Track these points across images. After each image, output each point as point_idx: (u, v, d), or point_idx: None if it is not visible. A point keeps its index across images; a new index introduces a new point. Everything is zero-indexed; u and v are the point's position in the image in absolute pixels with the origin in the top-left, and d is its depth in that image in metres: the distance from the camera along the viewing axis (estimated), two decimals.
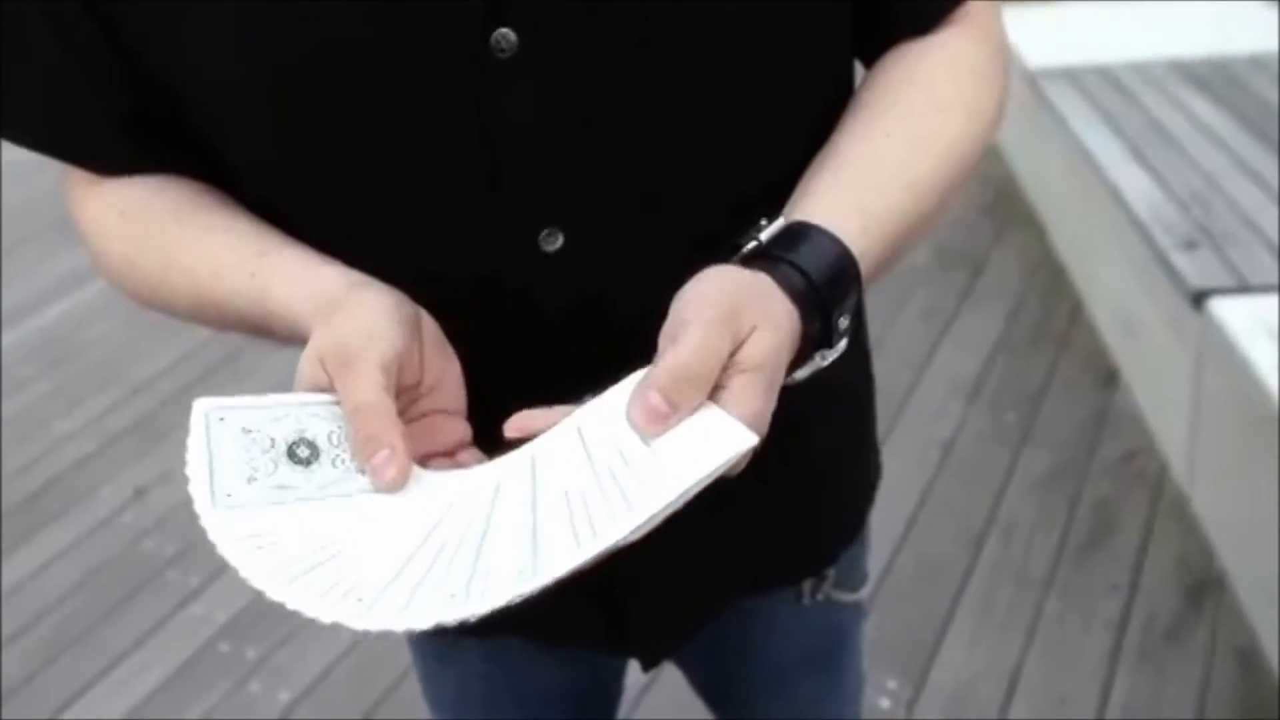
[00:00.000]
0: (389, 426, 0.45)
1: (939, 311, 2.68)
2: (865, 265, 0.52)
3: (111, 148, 0.58)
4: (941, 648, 1.80)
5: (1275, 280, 1.90)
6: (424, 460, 0.49)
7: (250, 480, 0.44)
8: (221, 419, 0.46)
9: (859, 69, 0.63)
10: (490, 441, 0.50)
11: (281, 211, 0.57)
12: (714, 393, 0.46)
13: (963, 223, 3.07)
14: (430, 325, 0.52)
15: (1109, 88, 2.74)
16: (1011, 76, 0.62)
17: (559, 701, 0.82)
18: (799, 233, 0.51)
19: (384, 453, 0.44)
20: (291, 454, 0.45)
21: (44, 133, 0.58)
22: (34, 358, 2.84)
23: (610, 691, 0.87)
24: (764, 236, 0.51)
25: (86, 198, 0.60)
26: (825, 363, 0.52)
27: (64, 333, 2.94)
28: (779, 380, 0.48)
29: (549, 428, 0.48)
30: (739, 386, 0.46)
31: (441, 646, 0.80)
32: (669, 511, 0.43)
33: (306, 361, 0.49)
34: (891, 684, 1.73)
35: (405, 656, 0.88)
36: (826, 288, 0.50)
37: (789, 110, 0.57)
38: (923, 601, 1.89)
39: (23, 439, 2.51)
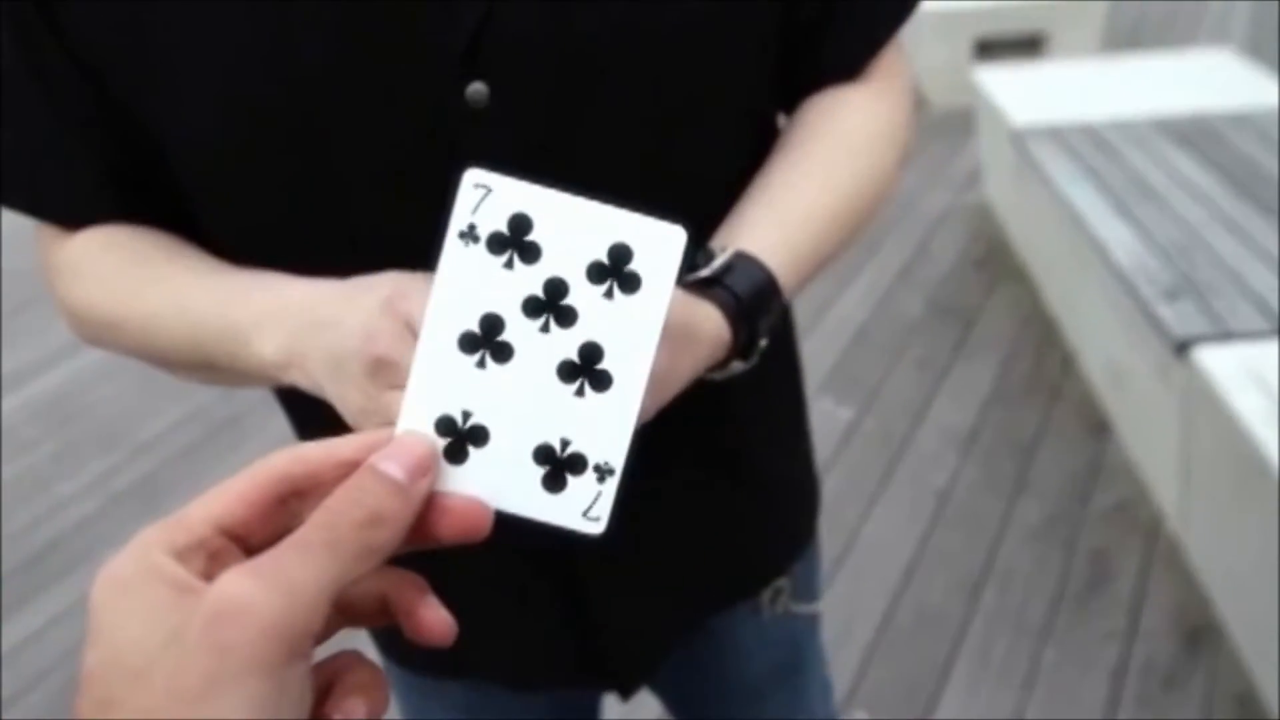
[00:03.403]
0: None
1: (933, 364, 2.72)
2: (786, 287, 0.61)
3: (91, 206, 0.61)
4: (941, 696, 1.80)
5: (1256, 329, 1.94)
6: None
7: None
8: None
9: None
10: None
11: (254, 259, 0.60)
12: None
13: (955, 277, 3.12)
14: None
15: (1092, 145, 2.81)
16: (915, 120, 0.72)
17: None
18: (735, 264, 0.59)
19: None
20: None
21: (29, 195, 0.61)
22: (38, 419, 2.87)
23: (590, 713, 0.90)
24: (718, 264, 0.58)
25: (63, 238, 0.63)
26: (737, 371, 0.60)
27: (68, 395, 2.97)
28: (667, 390, 0.53)
29: None
30: None
31: (424, 683, 0.82)
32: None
33: (380, 315, 0.47)
34: None
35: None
36: (751, 306, 0.58)
37: (725, 150, 0.65)
38: (921, 651, 1.89)
39: (26, 500, 2.53)
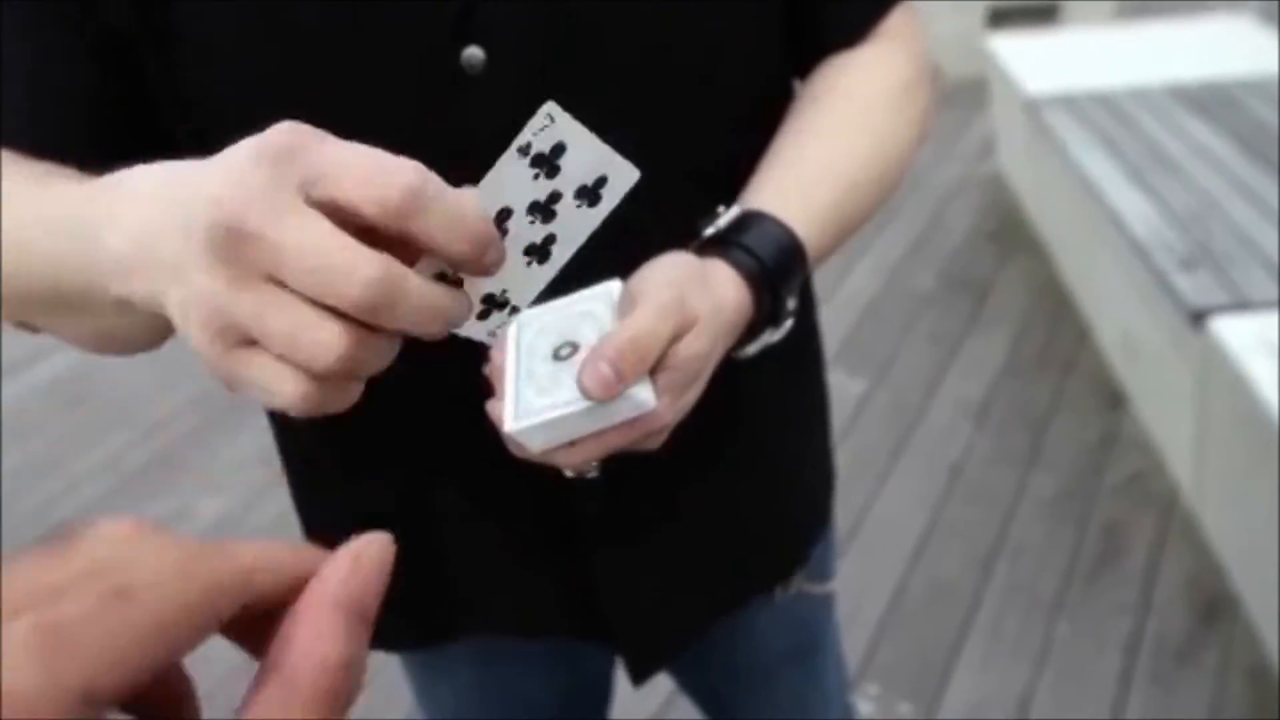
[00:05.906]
0: None
1: (946, 336, 2.70)
2: (810, 250, 0.59)
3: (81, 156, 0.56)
4: (953, 671, 1.80)
5: (1274, 298, 1.92)
6: None
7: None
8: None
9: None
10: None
11: None
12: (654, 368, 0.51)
13: (968, 249, 3.09)
14: None
15: (1107, 113, 2.77)
16: (930, 81, 0.70)
17: (551, 703, 0.84)
18: (750, 220, 0.57)
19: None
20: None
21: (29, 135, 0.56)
22: (50, 399, 2.89)
23: (601, 690, 0.89)
24: (722, 223, 0.57)
25: None
26: (773, 339, 0.58)
27: (80, 375, 2.98)
28: (704, 374, 0.53)
29: None
30: (664, 381, 0.50)
31: (431, 659, 0.82)
32: (553, 435, 0.49)
33: (252, 167, 0.35)
34: (904, 707, 1.74)
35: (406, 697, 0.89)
36: (776, 268, 0.56)
37: (732, 119, 0.63)
38: (934, 624, 1.89)
39: (40, 479, 2.55)
